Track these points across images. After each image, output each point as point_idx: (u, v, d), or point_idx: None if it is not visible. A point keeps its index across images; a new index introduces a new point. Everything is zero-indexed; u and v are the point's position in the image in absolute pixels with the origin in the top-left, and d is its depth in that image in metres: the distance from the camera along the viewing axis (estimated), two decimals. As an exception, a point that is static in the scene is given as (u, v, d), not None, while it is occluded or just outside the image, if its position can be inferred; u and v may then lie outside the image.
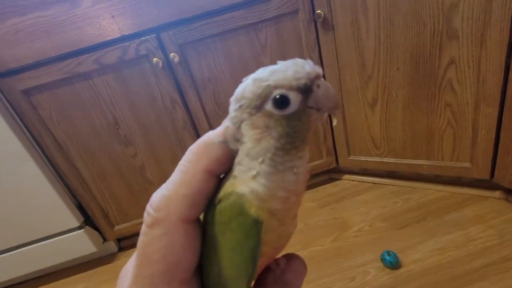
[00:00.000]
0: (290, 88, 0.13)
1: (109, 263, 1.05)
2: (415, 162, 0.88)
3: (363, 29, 0.78)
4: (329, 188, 1.08)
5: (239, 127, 0.13)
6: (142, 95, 0.85)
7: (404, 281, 0.66)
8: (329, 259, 0.78)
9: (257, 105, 0.13)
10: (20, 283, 1.06)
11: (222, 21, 0.79)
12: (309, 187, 1.12)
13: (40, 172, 0.84)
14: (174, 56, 0.80)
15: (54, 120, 0.84)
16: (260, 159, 0.13)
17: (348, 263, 0.75)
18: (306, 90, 0.13)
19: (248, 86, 0.13)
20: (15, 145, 0.79)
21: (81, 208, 0.97)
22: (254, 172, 0.13)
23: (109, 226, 1.00)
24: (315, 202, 1.03)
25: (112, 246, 1.09)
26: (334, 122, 0.22)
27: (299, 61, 0.13)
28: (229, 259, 0.13)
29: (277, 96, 0.13)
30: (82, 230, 0.95)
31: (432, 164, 0.85)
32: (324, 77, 0.88)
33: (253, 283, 0.16)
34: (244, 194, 0.13)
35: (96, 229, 1.01)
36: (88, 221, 0.99)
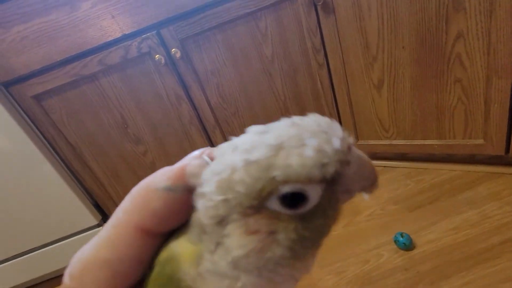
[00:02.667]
0: (310, 181, 0.09)
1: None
2: (425, 143, 0.87)
3: (365, 9, 0.76)
4: (339, 174, 1.08)
5: (219, 225, 0.09)
6: (148, 93, 0.86)
7: (418, 261, 0.66)
8: (342, 244, 0.78)
9: (254, 205, 0.09)
10: (42, 282, 1.11)
11: (220, 13, 0.79)
12: (319, 174, 1.12)
13: (56, 173, 0.87)
14: (175, 52, 0.80)
15: (66, 123, 0.87)
16: (255, 273, 0.09)
17: (361, 246, 0.75)
18: (332, 180, 0.09)
19: (237, 170, 0.09)
20: (30, 149, 0.83)
21: (98, 206, 1.00)
22: (237, 284, 0.09)
23: (125, 222, 1.04)
24: (326, 188, 1.03)
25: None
26: (366, 197, 0.12)
27: (321, 125, 0.09)
28: None
29: (289, 193, 0.09)
30: (100, 228, 0.99)
31: (443, 143, 0.83)
32: (331, 76, 0.86)
33: None
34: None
35: (114, 226, 1.04)
36: (105, 219, 1.02)
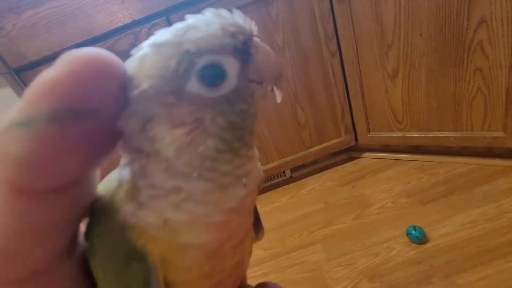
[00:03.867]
0: (223, 50, 0.08)
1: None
2: (441, 135, 0.84)
3: (381, -6, 0.73)
4: (349, 166, 1.06)
5: (143, 129, 0.08)
6: (156, 81, 0.86)
7: (431, 255, 0.64)
8: (352, 237, 0.77)
9: (173, 89, 0.08)
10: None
11: (231, -2, 0.77)
12: (328, 166, 1.10)
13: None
14: (185, 39, 0.79)
15: (75, 110, 0.87)
16: (195, 173, 0.08)
17: (372, 239, 0.74)
18: (244, 53, 0.09)
19: (148, 58, 0.08)
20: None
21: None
22: (181, 196, 0.08)
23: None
24: (335, 181, 1.01)
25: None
26: (278, 98, 0.10)
27: (221, 11, 0.09)
28: None
29: (205, 66, 0.08)
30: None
31: (460, 135, 0.80)
32: (339, 50, 0.83)
33: None
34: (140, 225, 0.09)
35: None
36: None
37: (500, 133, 0.74)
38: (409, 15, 0.72)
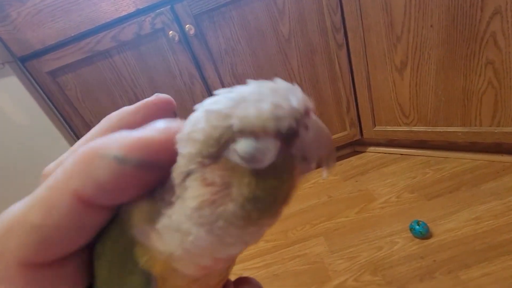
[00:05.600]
0: (265, 133, 0.08)
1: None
2: (448, 130, 0.82)
3: (391, -17, 0.71)
4: (354, 160, 1.05)
5: (183, 180, 0.09)
6: (161, 72, 0.85)
7: (435, 250, 0.63)
8: (355, 230, 0.77)
9: (211, 153, 0.09)
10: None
11: (237, -13, 0.75)
12: (332, 160, 1.10)
13: (72, 150, 0.88)
14: (189, 28, 0.78)
15: (80, 100, 0.87)
16: (206, 227, 0.09)
17: (375, 233, 0.73)
18: (289, 135, 0.09)
19: (199, 121, 0.09)
20: (47, 125, 0.84)
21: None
22: (188, 238, 0.09)
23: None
24: (339, 175, 1.01)
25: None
26: (324, 175, 0.12)
27: (281, 85, 0.09)
28: None
29: (244, 145, 0.08)
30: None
31: (468, 130, 0.79)
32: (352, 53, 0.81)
33: None
34: (150, 248, 0.10)
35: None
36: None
37: (510, 129, 0.72)
38: (420, 5, 0.70)
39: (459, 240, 0.63)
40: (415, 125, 0.89)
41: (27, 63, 0.80)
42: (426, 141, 0.92)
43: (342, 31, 0.83)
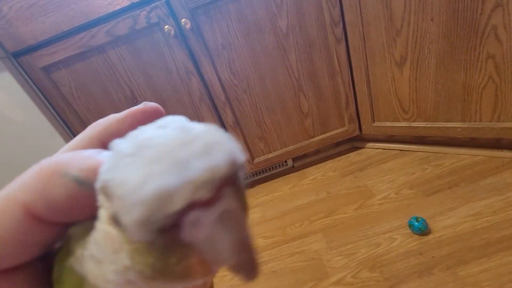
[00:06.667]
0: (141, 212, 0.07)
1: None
2: (448, 125, 0.81)
3: (391, -25, 0.69)
4: (352, 156, 1.04)
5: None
6: (157, 67, 0.84)
7: (434, 246, 0.63)
8: (353, 227, 0.76)
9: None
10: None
11: (233, -21, 0.74)
12: (331, 156, 1.09)
13: (68, 147, 0.87)
14: (185, 23, 0.76)
15: (75, 96, 0.86)
16: (107, 263, 0.09)
17: (373, 230, 0.73)
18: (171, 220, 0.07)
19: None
20: (41, 121, 0.82)
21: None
22: (110, 268, 0.09)
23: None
24: (337, 171, 1.00)
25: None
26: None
27: (200, 138, 0.07)
28: None
29: (124, 216, 0.07)
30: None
31: (468, 126, 0.78)
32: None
33: None
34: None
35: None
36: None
37: (510, 124, 0.71)
38: (420, -2, 0.69)
39: (457, 236, 0.63)
40: (414, 121, 0.88)
41: (20, 59, 0.78)
42: (426, 136, 0.92)
43: (341, 25, 0.82)
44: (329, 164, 1.06)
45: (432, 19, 0.70)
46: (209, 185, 0.06)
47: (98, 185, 0.08)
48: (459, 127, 0.80)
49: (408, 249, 0.65)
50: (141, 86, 0.86)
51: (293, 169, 1.12)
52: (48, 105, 0.86)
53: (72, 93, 0.85)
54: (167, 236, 0.07)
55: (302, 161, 1.12)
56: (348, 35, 0.83)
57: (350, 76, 0.90)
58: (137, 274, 0.08)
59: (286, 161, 1.12)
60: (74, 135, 0.91)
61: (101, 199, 0.08)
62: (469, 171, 0.79)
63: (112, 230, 0.08)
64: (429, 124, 0.85)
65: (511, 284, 0.52)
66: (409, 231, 0.69)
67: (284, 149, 1.02)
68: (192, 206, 0.07)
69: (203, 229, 0.07)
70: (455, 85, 0.75)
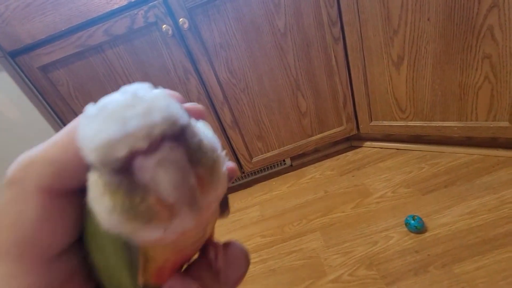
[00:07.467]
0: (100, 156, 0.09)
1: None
2: (444, 124, 0.82)
3: (388, -25, 0.70)
4: (350, 156, 1.05)
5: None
6: (155, 67, 0.84)
7: (430, 244, 0.64)
8: (350, 225, 0.77)
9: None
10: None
11: (231, -21, 0.74)
12: (329, 155, 1.10)
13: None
14: (183, 22, 0.76)
15: (73, 96, 0.85)
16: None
17: (370, 228, 0.74)
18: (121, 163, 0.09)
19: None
20: (39, 121, 0.82)
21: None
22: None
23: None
24: (335, 170, 1.01)
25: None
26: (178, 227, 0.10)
27: (145, 96, 0.09)
28: (109, 255, 0.11)
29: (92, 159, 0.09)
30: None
31: (464, 125, 0.79)
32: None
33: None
34: None
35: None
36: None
37: (506, 123, 0.72)
38: (417, -2, 0.69)
39: (453, 234, 0.64)
40: (411, 120, 0.89)
41: (17, 58, 0.78)
42: (422, 135, 0.92)
43: (339, 24, 0.82)
44: (327, 163, 1.06)
45: (429, 19, 0.70)
46: (147, 138, 0.08)
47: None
48: (455, 126, 0.80)
49: (405, 247, 0.66)
50: (139, 85, 0.86)
51: (291, 168, 1.12)
52: (46, 104, 0.85)
53: (70, 92, 0.85)
54: (126, 177, 0.09)
55: (300, 160, 1.13)
56: (345, 34, 0.84)
57: (347, 75, 0.90)
58: (118, 214, 0.09)
59: (284, 160, 1.13)
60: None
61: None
62: (465, 170, 0.79)
63: (95, 176, 0.09)
64: (425, 123, 0.86)
65: (505, 281, 0.53)
66: (405, 229, 0.69)
67: (282, 148, 1.03)
68: (135, 153, 0.08)
69: (147, 172, 0.08)
70: (451, 84, 0.76)
